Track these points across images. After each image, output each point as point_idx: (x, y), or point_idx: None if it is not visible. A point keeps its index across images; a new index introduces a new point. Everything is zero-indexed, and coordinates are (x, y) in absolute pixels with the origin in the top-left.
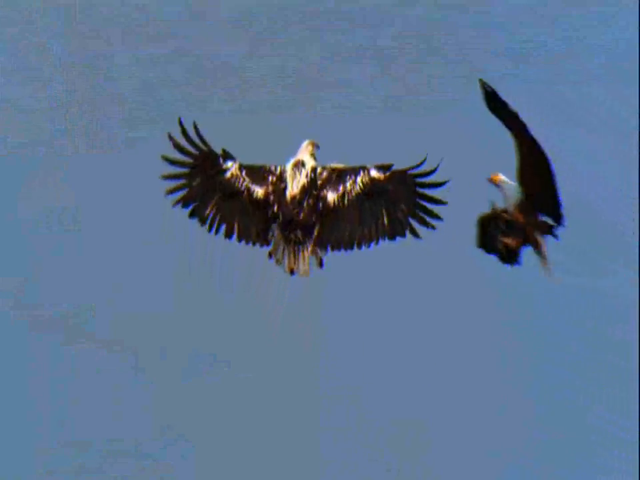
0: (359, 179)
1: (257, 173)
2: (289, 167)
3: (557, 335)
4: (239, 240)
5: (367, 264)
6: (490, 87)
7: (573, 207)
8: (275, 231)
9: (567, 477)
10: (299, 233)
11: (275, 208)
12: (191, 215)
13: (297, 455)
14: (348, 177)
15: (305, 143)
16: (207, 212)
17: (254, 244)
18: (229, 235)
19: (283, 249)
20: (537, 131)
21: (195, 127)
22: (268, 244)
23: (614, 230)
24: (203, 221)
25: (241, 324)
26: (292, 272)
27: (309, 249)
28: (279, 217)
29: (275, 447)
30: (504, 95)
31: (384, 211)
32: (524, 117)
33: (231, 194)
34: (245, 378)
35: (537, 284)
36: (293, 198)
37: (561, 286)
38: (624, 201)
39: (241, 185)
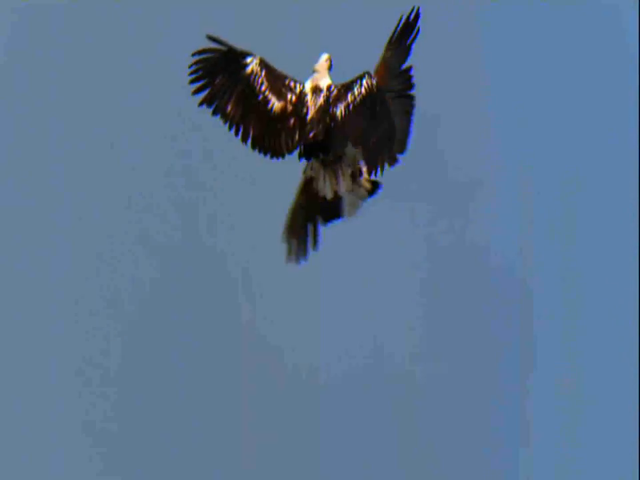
0: (364, 82)
1: (276, 81)
2: (308, 89)
3: None
4: (254, 146)
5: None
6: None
7: None
8: (312, 162)
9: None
10: (331, 155)
11: (297, 136)
12: (214, 113)
13: (297, 453)
14: (354, 84)
15: (324, 58)
16: (229, 111)
17: (266, 153)
18: (244, 138)
19: (324, 176)
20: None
21: (212, 37)
22: (281, 154)
23: None
24: (224, 120)
25: (240, 324)
26: (336, 194)
27: (343, 165)
28: (299, 142)
29: (275, 445)
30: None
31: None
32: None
33: (250, 93)
34: (244, 377)
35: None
36: (312, 120)
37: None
38: None
39: (259, 86)
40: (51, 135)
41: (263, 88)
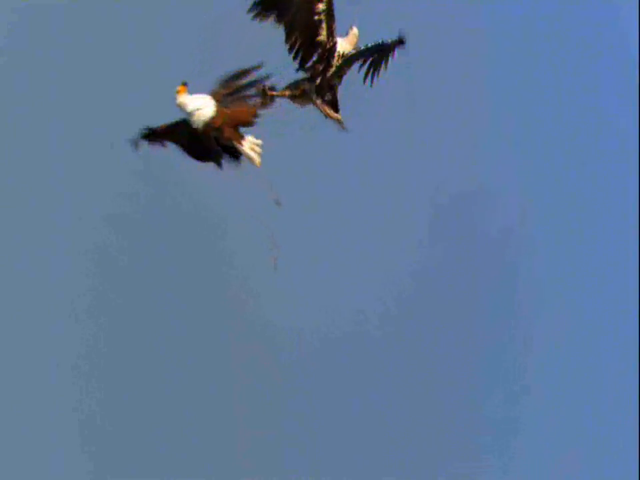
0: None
1: (332, 17)
2: (339, 48)
3: None
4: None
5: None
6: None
7: None
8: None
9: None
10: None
11: (320, 69)
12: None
13: (283, 414)
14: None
15: (356, 34)
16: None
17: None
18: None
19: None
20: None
21: None
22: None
23: None
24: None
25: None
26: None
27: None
28: (316, 78)
29: (273, 443)
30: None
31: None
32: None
33: (308, 11)
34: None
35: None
36: (330, 76)
37: None
38: None
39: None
40: (51, 134)
41: (320, 7)
